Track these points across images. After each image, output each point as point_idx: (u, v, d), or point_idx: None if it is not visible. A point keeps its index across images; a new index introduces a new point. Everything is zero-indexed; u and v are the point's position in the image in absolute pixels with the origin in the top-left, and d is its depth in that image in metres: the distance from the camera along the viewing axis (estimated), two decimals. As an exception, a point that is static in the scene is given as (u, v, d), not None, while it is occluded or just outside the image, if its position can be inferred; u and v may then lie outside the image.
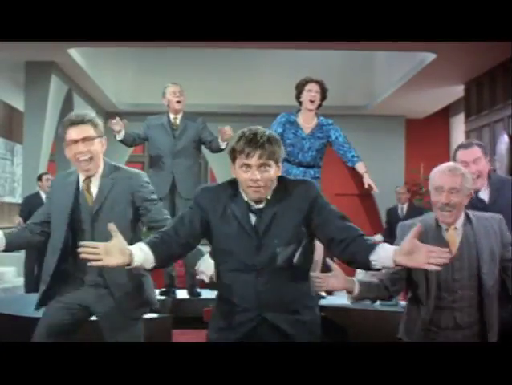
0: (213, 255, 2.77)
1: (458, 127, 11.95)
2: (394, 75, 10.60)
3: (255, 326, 2.60)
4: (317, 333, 2.71)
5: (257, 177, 2.55)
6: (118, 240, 2.48)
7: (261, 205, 2.63)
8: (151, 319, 4.59)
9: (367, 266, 2.52)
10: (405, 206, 9.09)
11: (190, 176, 5.66)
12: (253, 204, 2.63)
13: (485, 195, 3.67)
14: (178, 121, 5.71)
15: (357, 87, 11.61)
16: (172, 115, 5.72)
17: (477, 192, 3.65)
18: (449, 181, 2.95)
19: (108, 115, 12.50)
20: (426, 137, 12.80)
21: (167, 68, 10.04)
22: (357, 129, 11.68)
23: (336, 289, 2.83)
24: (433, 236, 2.94)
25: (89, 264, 2.46)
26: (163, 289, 5.66)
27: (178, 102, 5.69)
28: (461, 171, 2.99)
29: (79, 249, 2.46)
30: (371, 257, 2.49)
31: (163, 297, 5.55)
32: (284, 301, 2.62)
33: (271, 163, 2.57)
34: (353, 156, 5.33)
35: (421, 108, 12.20)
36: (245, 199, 2.64)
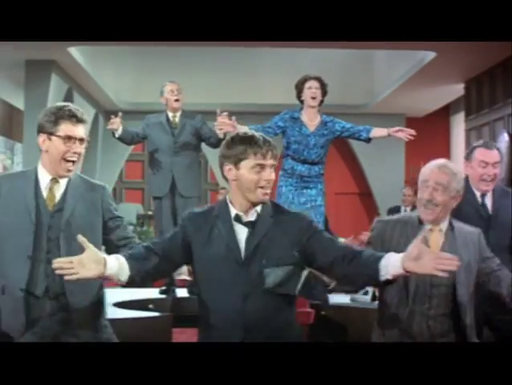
0: (195, 282, 2.68)
1: (458, 126, 11.95)
2: (394, 74, 10.60)
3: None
4: None
5: (272, 177, 2.56)
6: (91, 250, 2.42)
7: (252, 218, 2.59)
8: (151, 318, 4.60)
9: (374, 276, 2.47)
10: (409, 209, 8.93)
11: (190, 175, 5.66)
12: (243, 216, 2.58)
13: (488, 201, 3.65)
14: (177, 119, 5.70)
15: (357, 85, 11.62)
16: (170, 114, 5.72)
17: (483, 194, 3.63)
18: (435, 177, 2.84)
19: (108, 113, 12.52)
20: (426, 136, 12.78)
21: (167, 67, 10.05)
22: (357, 128, 11.68)
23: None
24: (414, 234, 2.76)
25: (65, 278, 2.40)
26: (163, 288, 5.66)
27: (176, 100, 5.68)
28: (450, 169, 2.87)
29: (54, 265, 2.38)
30: (381, 264, 2.45)
31: (163, 296, 5.55)
32: (269, 329, 2.54)
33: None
34: (364, 127, 5.37)
35: (421, 107, 12.21)
36: (234, 213, 2.59)
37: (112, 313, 4.73)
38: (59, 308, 2.83)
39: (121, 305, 5.02)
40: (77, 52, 9.10)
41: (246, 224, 2.58)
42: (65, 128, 2.84)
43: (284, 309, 2.58)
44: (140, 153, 13.23)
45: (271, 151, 2.56)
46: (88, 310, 2.89)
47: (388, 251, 2.60)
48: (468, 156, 3.68)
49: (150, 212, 13.36)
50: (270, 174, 2.55)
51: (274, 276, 2.53)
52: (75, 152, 2.85)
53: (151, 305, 5.29)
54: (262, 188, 2.55)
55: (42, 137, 2.87)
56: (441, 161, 2.94)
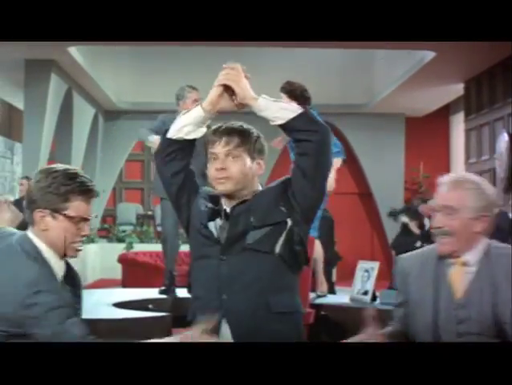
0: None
1: (458, 126, 11.95)
2: (394, 74, 10.61)
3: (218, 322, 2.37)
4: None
5: (221, 165, 2.40)
6: None
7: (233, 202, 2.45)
8: (151, 318, 4.60)
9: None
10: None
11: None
12: (226, 204, 2.46)
13: None
14: None
15: (357, 85, 11.62)
16: None
17: None
18: (443, 198, 2.21)
19: (108, 113, 12.52)
20: (426, 136, 12.82)
21: (167, 67, 10.05)
22: (357, 127, 11.70)
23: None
24: (431, 271, 2.28)
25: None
26: (163, 288, 5.66)
27: None
28: (465, 185, 2.21)
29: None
30: None
31: (163, 296, 5.55)
32: (252, 293, 2.40)
33: (241, 154, 2.43)
34: None
35: (421, 107, 12.21)
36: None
37: (112, 313, 4.73)
38: None
39: (121, 305, 5.01)
40: (77, 52, 9.09)
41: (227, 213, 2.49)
42: None
43: (276, 271, 2.41)
44: (139, 153, 13.23)
45: (222, 138, 2.47)
46: None
47: (407, 288, 2.37)
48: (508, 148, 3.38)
49: (150, 212, 13.38)
50: (218, 163, 2.45)
51: (253, 234, 2.39)
52: None
53: (151, 306, 5.29)
54: (215, 178, 2.45)
55: None
56: (453, 176, 2.29)
